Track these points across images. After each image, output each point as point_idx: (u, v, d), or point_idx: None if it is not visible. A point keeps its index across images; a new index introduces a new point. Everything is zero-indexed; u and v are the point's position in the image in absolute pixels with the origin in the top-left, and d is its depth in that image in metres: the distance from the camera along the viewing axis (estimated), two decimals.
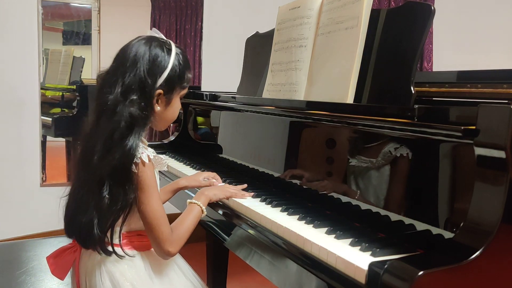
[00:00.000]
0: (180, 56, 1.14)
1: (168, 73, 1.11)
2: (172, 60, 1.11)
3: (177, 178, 1.71)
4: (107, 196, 1.03)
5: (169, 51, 1.12)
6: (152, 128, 1.19)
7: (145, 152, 1.08)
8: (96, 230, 1.04)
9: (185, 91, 1.19)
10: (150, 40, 1.12)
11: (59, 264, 1.16)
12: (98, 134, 1.06)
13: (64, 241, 1.19)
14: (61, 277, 1.17)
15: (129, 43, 1.12)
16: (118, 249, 1.10)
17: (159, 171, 1.80)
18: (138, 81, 1.07)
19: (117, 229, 1.09)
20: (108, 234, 1.07)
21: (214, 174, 1.48)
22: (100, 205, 1.04)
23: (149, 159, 1.09)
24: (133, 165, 1.05)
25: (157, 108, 1.13)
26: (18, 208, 2.83)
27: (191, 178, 1.47)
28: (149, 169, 1.09)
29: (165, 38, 1.16)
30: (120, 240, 1.10)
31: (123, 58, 1.09)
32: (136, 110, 1.06)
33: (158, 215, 1.08)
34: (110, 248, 1.08)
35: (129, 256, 1.12)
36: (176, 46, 1.15)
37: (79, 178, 1.10)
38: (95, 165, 1.04)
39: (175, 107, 1.17)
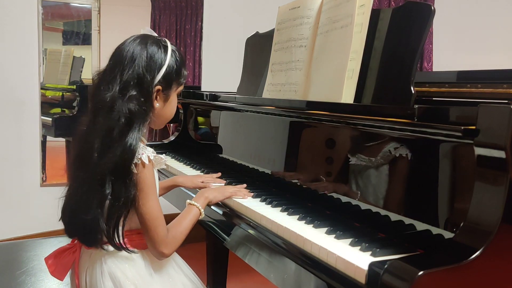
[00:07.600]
0: (176, 52, 1.16)
1: (166, 69, 1.12)
2: (169, 57, 1.13)
3: None
4: (109, 193, 1.04)
5: (165, 48, 1.14)
6: (152, 127, 1.20)
7: (145, 153, 1.08)
8: (103, 226, 1.04)
9: (181, 88, 1.20)
10: (146, 38, 1.13)
11: (58, 264, 1.16)
12: (96, 132, 1.06)
13: (64, 241, 1.19)
14: (61, 277, 1.17)
15: (124, 42, 1.13)
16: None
17: (158, 170, 1.81)
18: (136, 77, 1.08)
19: (119, 227, 1.08)
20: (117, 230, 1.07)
21: (215, 179, 1.48)
22: (103, 203, 1.04)
23: (149, 160, 1.09)
24: (133, 165, 1.06)
25: (156, 104, 1.14)
26: (18, 208, 2.83)
27: (189, 179, 1.48)
28: (149, 170, 1.09)
29: (159, 36, 1.17)
30: (123, 239, 1.10)
31: (120, 56, 1.10)
32: (135, 105, 1.06)
33: (154, 216, 1.09)
34: (118, 242, 1.08)
35: (132, 253, 1.12)
36: (171, 44, 1.17)
37: (77, 178, 1.10)
38: (95, 163, 1.04)
39: (173, 103, 1.19)
